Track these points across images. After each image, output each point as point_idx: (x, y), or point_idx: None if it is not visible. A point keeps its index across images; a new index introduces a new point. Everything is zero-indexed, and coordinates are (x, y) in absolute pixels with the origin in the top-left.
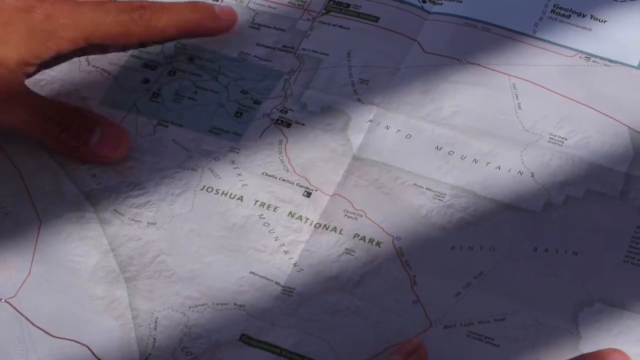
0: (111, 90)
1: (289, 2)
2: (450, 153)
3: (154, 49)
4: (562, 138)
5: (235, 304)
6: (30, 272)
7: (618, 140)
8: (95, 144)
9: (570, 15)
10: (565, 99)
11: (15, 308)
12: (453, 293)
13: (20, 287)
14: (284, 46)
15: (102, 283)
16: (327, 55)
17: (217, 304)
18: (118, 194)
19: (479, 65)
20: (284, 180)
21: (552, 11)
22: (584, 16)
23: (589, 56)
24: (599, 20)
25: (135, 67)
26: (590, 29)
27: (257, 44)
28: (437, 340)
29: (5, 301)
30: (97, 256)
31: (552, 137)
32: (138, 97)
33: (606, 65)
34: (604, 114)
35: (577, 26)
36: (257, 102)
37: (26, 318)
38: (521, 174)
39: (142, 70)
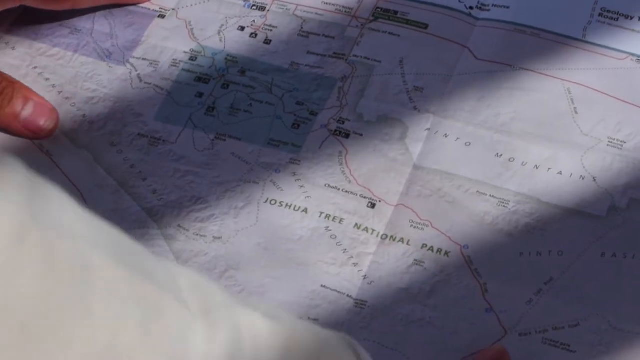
0: (165, 106)
1: (336, 9)
2: (511, 160)
3: (205, 61)
4: (621, 141)
5: (308, 318)
6: None
7: None
8: (26, 117)
9: (617, 18)
10: (620, 102)
11: None
12: (525, 300)
13: None
14: (334, 53)
15: None
16: (380, 62)
17: None
18: (181, 209)
19: (532, 71)
20: (347, 191)
21: (600, 15)
22: (631, 18)
23: None
24: None
25: (188, 81)
26: (639, 32)
27: (308, 52)
28: (513, 348)
29: None
30: None
31: (610, 140)
32: (193, 111)
33: None
34: None
35: (625, 29)
36: (314, 113)
37: None
38: (583, 179)
39: (195, 85)
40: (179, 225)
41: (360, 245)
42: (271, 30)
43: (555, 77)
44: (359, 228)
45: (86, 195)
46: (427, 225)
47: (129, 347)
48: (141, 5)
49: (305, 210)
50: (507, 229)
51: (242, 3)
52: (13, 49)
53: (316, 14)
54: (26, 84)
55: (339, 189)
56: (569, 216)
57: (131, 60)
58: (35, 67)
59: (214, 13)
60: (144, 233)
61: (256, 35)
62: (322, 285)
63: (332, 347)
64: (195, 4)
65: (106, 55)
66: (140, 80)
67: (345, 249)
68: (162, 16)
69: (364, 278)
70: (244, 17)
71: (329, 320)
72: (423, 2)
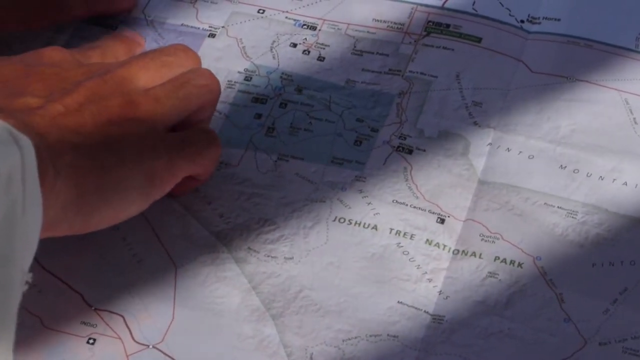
0: (224, 129)
1: (388, 27)
2: (575, 171)
3: (260, 81)
4: None
5: (388, 334)
6: (174, 316)
7: None
8: None
9: None
10: None
11: (165, 353)
12: (602, 310)
13: (167, 331)
14: (390, 70)
15: (249, 322)
16: (436, 77)
17: (370, 336)
18: (249, 231)
19: (588, 82)
20: (415, 207)
21: None
22: None
23: None
24: None
25: (246, 102)
26: None
27: (363, 69)
28: (594, 358)
29: (154, 347)
30: (239, 296)
31: None
32: (253, 132)
33: None
34: None
35: None
36: (374, 130)
37: None
38: None
39: (252, 105)
40: (249, 248)
41: (433, 261)
42: (324, 48)
43: (611, 88)
44: (430, 244)
45: (153, 222)
46: (498, 238)
47: None
48: (190, 25)
49: (375, 227)
50: (577, 240)
51: (293, 22)
52: None
53: (368, 32)
54: None
55: (406, 205)
56: (638, 226)
57: None
58: None
59: (264, 29)
60: (214, 257)
61: (309, 52)
62: (398, 302)
63: None
64: (245, 21)
65: None
66: None
67: (419, 265)
68: (212, 35)
69: (440, 293)
70: (295, 34)
71: (409, 336)
72: (474, 14)
